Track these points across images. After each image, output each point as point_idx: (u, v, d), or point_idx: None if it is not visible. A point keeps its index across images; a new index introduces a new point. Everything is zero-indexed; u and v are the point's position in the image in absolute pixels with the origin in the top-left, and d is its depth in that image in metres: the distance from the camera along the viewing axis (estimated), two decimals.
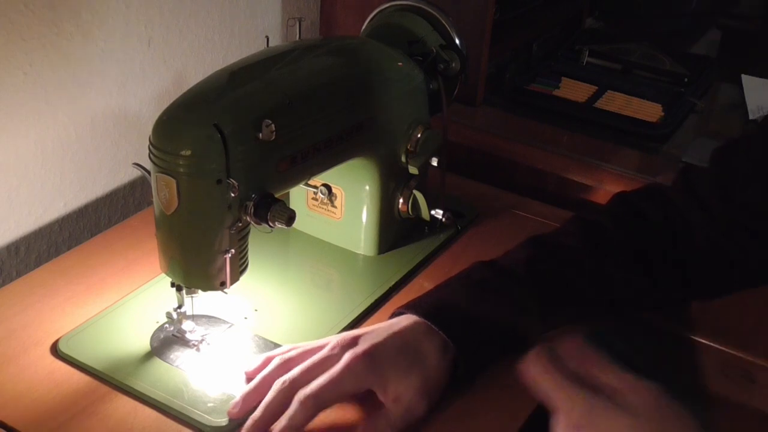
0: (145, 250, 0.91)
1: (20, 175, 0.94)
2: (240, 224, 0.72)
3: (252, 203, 0.72)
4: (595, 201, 1.09)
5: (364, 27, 0.98)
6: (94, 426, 0.71)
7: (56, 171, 0.98)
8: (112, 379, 0.75)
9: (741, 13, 1.68)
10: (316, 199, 0.94)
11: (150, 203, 0.74)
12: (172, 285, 0.76)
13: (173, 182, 0.68)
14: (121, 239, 0.95)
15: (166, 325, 0.80)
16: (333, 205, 0.93)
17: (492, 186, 1.10)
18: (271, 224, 0.72)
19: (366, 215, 0.92)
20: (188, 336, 0.79)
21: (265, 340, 0.80)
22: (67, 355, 0.77)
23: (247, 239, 0.75)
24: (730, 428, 1.02)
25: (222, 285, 0.75)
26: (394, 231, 0.95)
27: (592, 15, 1.59)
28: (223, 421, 0.71)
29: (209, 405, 0.72)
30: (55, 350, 0.78)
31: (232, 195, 0.69)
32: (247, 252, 0.76)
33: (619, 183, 1.08)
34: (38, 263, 0.96)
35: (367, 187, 0.90)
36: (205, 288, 0.76)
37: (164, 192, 0.69)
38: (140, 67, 1.03)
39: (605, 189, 1.08)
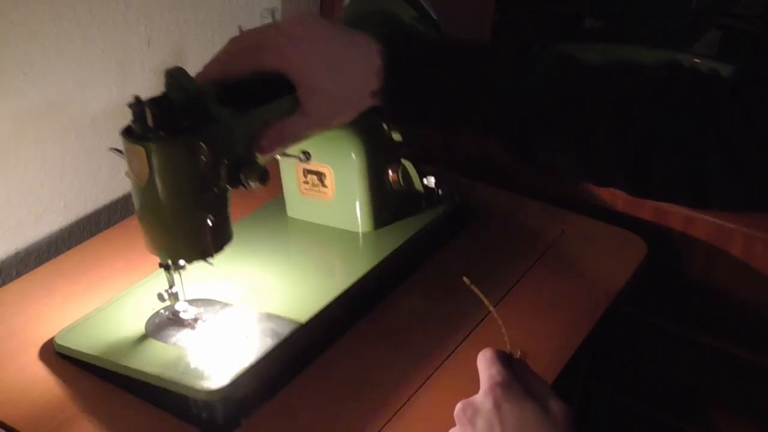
0: (145, 250, 0.91)
1: (20, 175, 0.94)
2: (216, 190, 0.72)
3: (224, 167, 0.71)
4: (595, 201, 1.09)
5: (343, 11, 0.95)
6: (94, 426, 0.71)
7: (56, 171, 0.98)
8: (105, 363, 0.74)
9: (741, 13, 1.68)
10: (307, 182, 0.93)
11: None
12: (161, 266, 0.76)
13: (142, 151, 0.68)
14: (121, 239, 0.95)
15: (162, 311, 0.80)
16: (324, 185, 0.92)
17: (492, 186, 1.10)
18: (245, 185, 0.71)
19: (357, 190, 0.91)
20: (182, 315, 0.79)
21: (262, 313, 0.80)
22: (62, 347, 0.77)
23: (227, 207, 0.74)
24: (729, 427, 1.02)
25: (205, 254, 0.74)
26: (389, 204, 0.94)
27: (592, 15, 1.59)
28: (214, 385, 0.70)
29: (202, 372, 0.72)
30: (54, 349, 0.78)
31: (203, 159, 0.69)
32: (229, 221, 0.75)
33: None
34: (38, 263, 0.96)
35: (355, 161, 0.89)
36: (189, 258, 0.74)
37: (135, 163, 0.69)
38: (140, 67, 1.03)
39: (605, 189, 1.08)
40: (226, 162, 0.70)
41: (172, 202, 0.71)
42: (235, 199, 0.74)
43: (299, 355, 0.78)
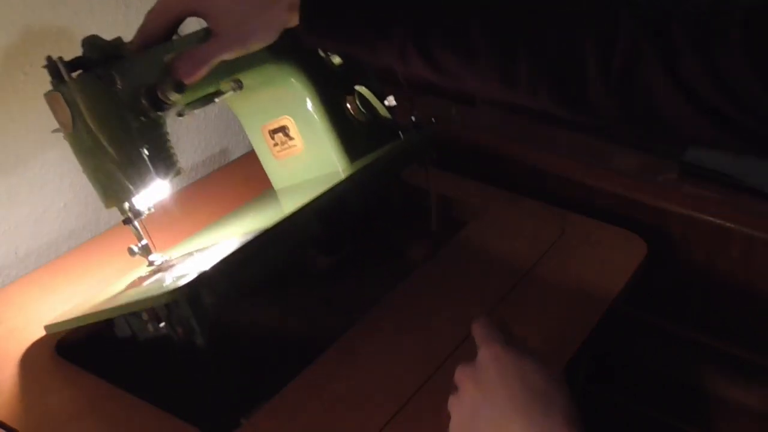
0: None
1: (20, 175, 0.94)
2: (144, 119, 0.71)
3: (144, 95, 0.70)
4: (595, 201, 1.09)
5: None
6: (94, 425, 0.71)
7: (56, 171, 0.98)
8: (87, 318, 0.74)
9: None
10: (277, 143, 0.93)
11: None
12: (124, 222, 0.75)
13: (59, 96, 0.68)
14: (120, 239, 0.95)
15: (144, 275, 0.80)
16: (291, 138, 0.91)
17: (492, 186, 1.10)
18: (165, 101, 0.71)
19: (320, 128, 0.90)
20: (156, 264, 0.79)
21: (238, 238, 0.79)
22: (52, 326, 0.77)
23: (163, 137, 0.74)
24: (729, 427, 1.02)
25: (151, 179, 0.73)
26: (359, 136, 0.92)
27: None
28: (177, 284, 0.69)
29: (170, 283, 0.71)
30: (55, 350, 0.78)
31: (119, 88, 0.68)
32: (170, 152, 0.75)
33: (619, 183, 1.08)
34: (38, 263, 0.96)
35: (309, 102, 0.89)
36: (137, 189, 0.73)
37: (59, 113, 0.69)
38: None
39: (605, 189, 1.08)
40: (144, 90, 0.70)
41: (102, 137, 0.70)
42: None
43: (271, 263, 0.77)
